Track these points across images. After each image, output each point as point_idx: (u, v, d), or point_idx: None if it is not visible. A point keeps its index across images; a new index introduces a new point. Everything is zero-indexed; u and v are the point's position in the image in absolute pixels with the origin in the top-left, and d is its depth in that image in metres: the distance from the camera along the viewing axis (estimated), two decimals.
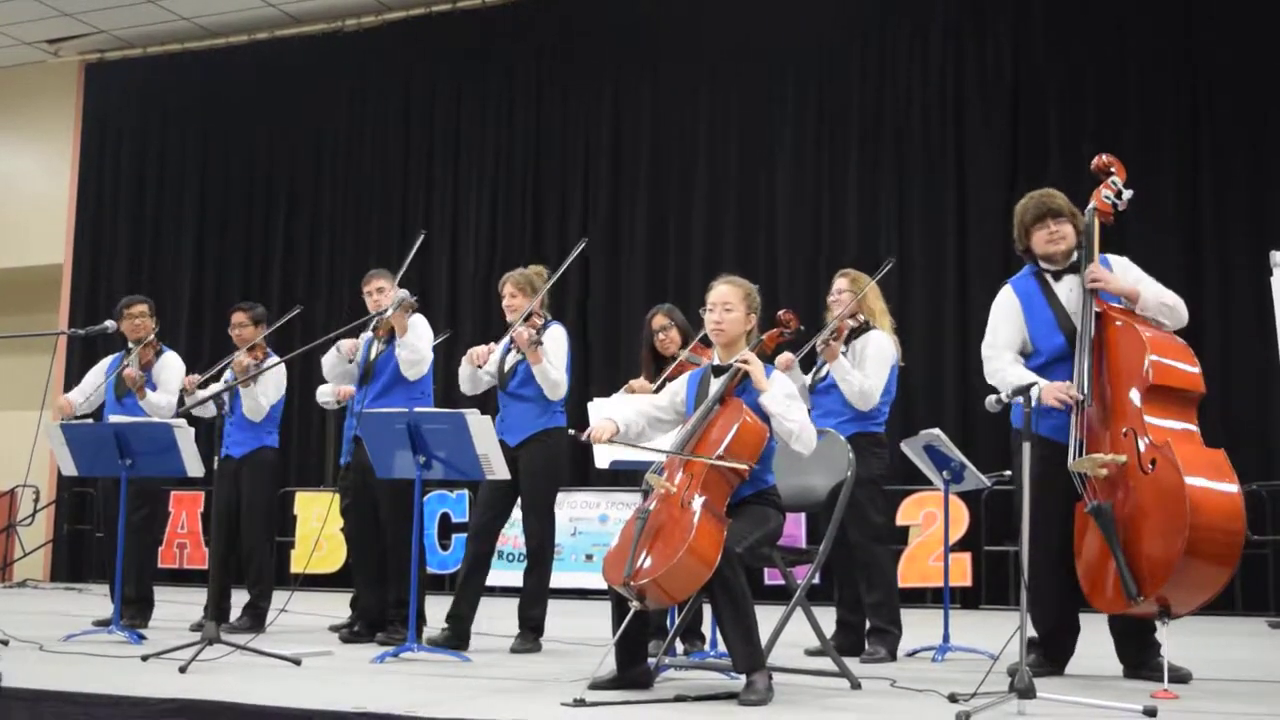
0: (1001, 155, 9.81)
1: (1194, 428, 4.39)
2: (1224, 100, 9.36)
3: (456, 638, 5.48)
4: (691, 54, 10.96)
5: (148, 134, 12.96)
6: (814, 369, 5.74)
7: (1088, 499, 4.36)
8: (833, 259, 9.78)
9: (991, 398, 4.12)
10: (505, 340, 5.77)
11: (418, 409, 5.39)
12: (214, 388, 6.55)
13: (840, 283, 5.78)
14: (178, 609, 7.05)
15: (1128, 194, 4.74)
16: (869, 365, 5.50)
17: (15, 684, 3.96)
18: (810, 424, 4.25)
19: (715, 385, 4.33)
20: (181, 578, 10.55)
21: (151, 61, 12.90)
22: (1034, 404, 3.99)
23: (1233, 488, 4.22)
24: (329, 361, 6.17)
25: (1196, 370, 4.44)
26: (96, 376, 7.02)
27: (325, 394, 7.14)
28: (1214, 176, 9.34)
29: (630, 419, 4.41)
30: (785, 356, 5.60)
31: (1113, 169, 4.78)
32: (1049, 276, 4.74)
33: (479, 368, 5.76)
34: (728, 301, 4.35)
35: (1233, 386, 8.91)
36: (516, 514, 5.82)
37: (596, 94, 11.26)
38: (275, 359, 6.60)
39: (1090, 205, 4.74)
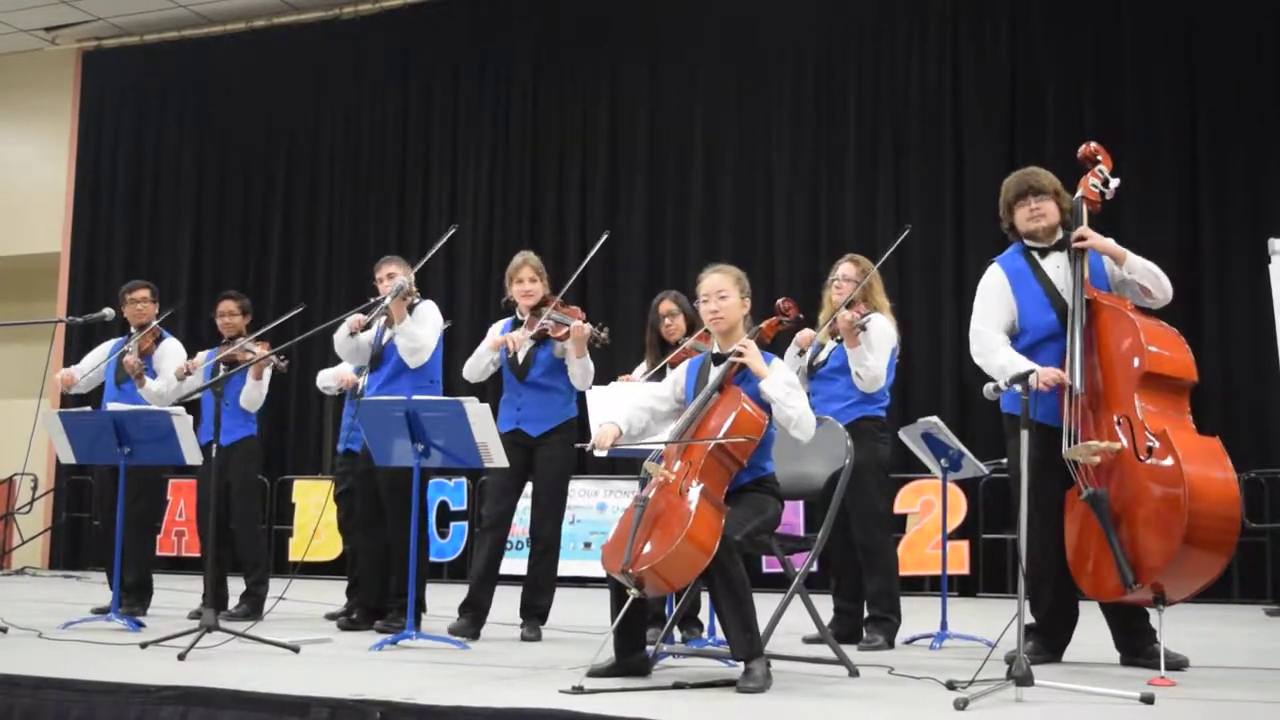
0: (999, 143, 9.79)
1: (1187, 416, 4.40)
2: (1222, 89, 9.34)
3: (475, 626, 5.50)
4: (690, 42, 10.94)
5: (145, 122, 12.93)
6: (811, 353, 5.62)
7: (1082, 486, 4.35)
8: (830, 248, 9.77)
9: (989, 385, 4.10)
10: (526, 331, 5.68)
11: (416, 397, 5.37)
12: (194, 378, 6.51)
13: (846, 268, 5.64)
14: (176, 596, 7.05)
15: (1114, 182, 4.73)
16: (873, 349, 5.41)
17: (15, 671, 3.96)
18: (809, 411, 4.23)
19: (714, 373, 4.33)
20: (179, 565, 10.55)
21: (149, 49, 12.87)
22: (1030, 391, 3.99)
23: (1230, 475, 4.23)
24: (340, 338, 5.87)
25: (1189, 358, 4.44)
26: (97, 356, 7.00)
27: (326, 379, 7.11)
28: (1212, 166, 9.33)
29: (632, 416, 4.39)
30: (806, 333, 5.56)
31: (1099, 157, 4.76)
32: (1035, 254, 4.73)
33: (513, 354, 5.71)
34: (722, 289, 4.33)
35: (1231, 374, 8.92)
36: (524, 502, 5.82)
37: (595, 80, 11.24)
38: (260, 351, 6.57)
39: (1078, 194, 4.73)
